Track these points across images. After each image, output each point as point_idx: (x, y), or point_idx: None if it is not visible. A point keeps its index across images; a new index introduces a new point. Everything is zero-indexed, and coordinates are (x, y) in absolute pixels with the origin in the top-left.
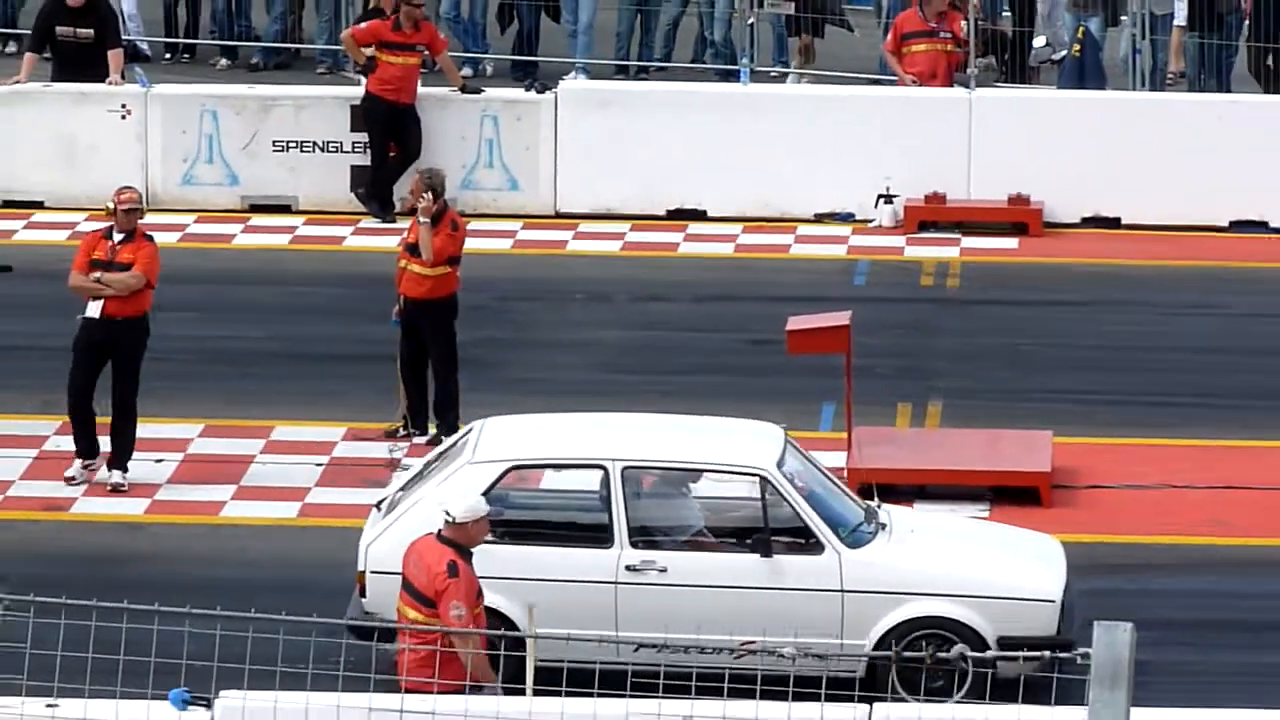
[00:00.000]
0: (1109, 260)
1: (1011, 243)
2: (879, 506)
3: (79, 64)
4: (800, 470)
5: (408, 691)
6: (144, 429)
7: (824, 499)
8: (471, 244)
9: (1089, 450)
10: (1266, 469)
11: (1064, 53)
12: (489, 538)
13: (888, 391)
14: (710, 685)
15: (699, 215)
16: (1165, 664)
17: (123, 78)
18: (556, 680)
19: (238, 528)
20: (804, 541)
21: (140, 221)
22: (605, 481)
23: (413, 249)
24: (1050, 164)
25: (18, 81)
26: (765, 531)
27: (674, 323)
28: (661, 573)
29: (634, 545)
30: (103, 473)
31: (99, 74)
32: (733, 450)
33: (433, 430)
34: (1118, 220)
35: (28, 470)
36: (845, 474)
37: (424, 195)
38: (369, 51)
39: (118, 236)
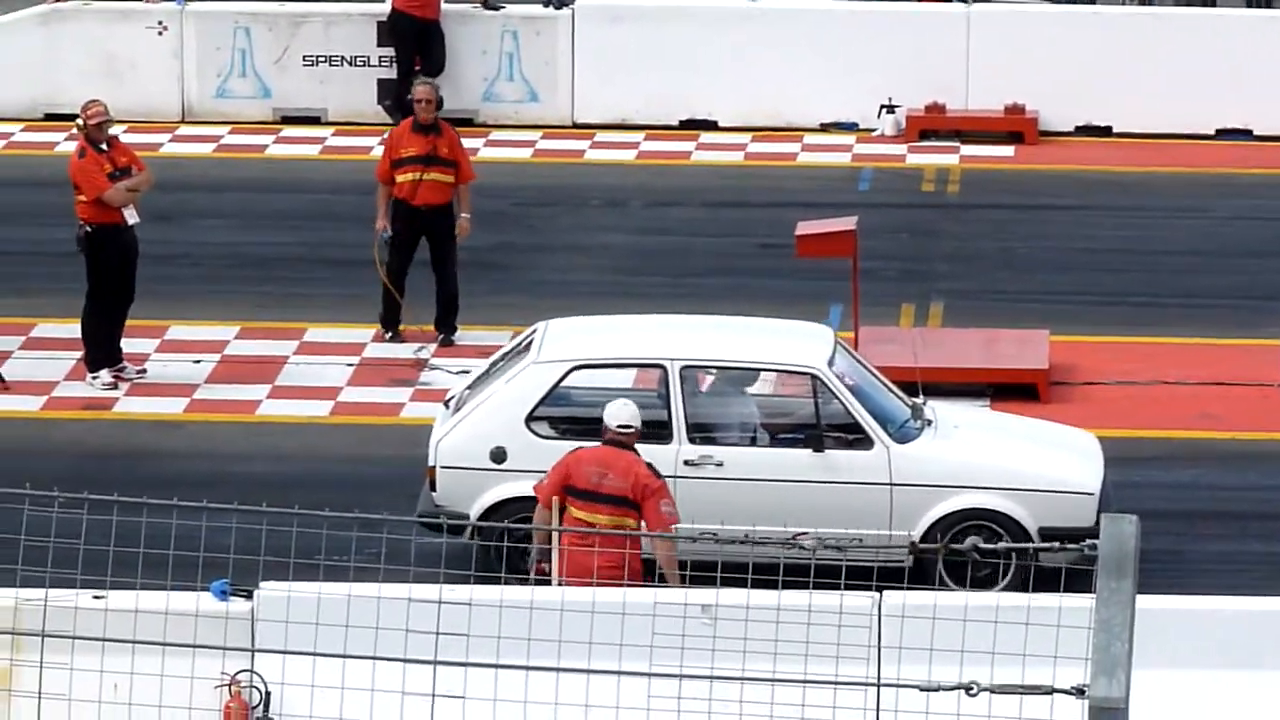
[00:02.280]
0: (1100, 167)
1: (1008, 150)
2: (925, 403)
3: None
4: (849, 369)
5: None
6: (180, 331)
7: (872, 396)
8: (493, 153)
9: (1084, 348)
10: (1251, 365)
11: None
12: (553, 433)
13: (892, 293)
14: (764, 577)
15: (710, 125)
16: (1156, 552)
17: None
18: None
19: (272, 425)
20: (854, 437)
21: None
22: (664, 380)
23: (429, 159)
24: (1045, 75)
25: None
26: (818, 427)
27: (686, 228)
28: (718, 467)
29: (691, 440)
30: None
31: None
32: (786, 350)
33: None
34: (1109, 129)
35: (70, 372)
36: None
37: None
38: None
39: (105, 147)
